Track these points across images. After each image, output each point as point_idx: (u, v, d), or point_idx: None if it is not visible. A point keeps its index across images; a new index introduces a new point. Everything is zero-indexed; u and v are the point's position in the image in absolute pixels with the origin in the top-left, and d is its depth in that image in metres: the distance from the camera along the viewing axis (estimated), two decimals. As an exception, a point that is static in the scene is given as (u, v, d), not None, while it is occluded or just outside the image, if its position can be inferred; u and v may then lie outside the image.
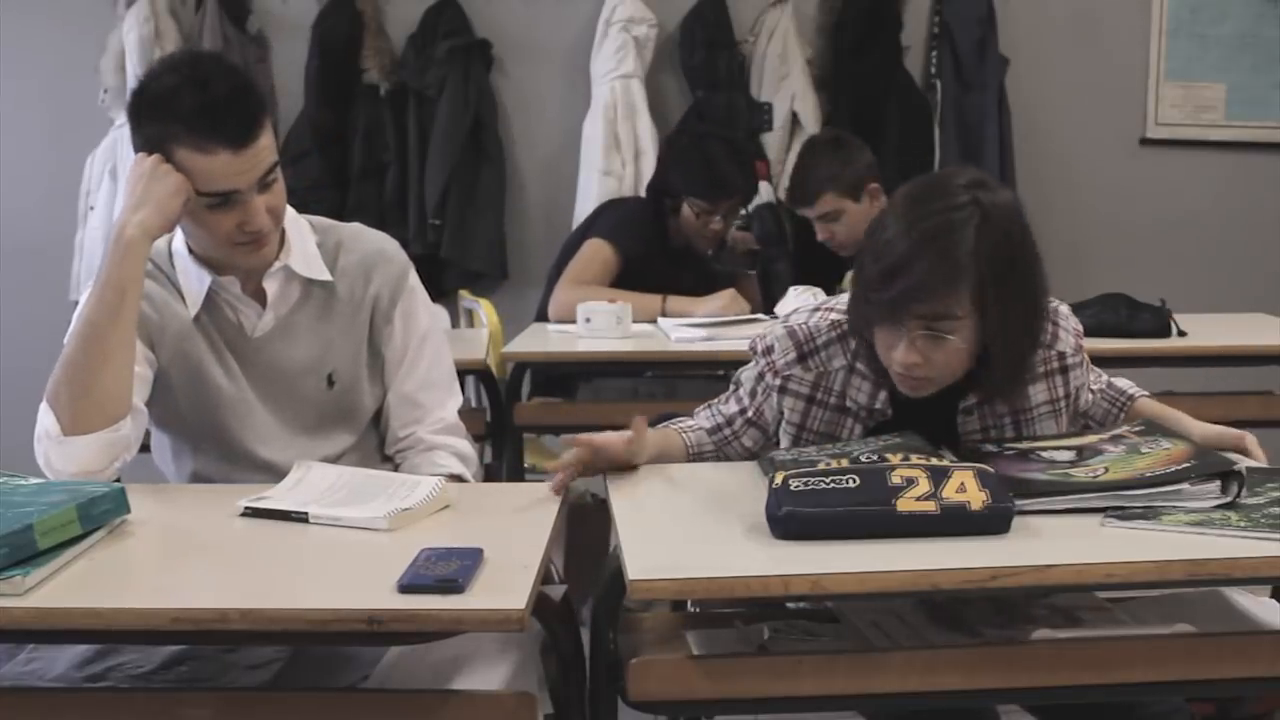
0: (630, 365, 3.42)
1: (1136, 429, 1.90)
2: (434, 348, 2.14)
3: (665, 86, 4.69)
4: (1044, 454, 1.83)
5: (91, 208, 4.47)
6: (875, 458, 1.74)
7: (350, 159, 4.55)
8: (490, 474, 3.09)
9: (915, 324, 1.79)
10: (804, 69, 4.57)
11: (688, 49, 4.61)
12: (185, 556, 1.69)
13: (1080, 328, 2.03)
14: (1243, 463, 1.75)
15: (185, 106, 1.86)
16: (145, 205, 1.87)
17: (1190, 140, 4.88)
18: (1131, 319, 3.28)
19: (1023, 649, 1.61)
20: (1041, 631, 1.65)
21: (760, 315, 3.45)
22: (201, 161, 1.87)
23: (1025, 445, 1.88)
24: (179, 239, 2.03)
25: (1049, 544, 1.57)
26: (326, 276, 2.06)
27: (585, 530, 3.08)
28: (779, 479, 1.63)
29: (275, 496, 1.81)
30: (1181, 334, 3.28)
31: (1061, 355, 1.98)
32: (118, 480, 1.85)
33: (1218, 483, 1.68)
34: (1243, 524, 1.59)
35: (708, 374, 3.32)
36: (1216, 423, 1.99)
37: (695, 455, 2.05)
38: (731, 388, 2.08)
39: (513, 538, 1.64)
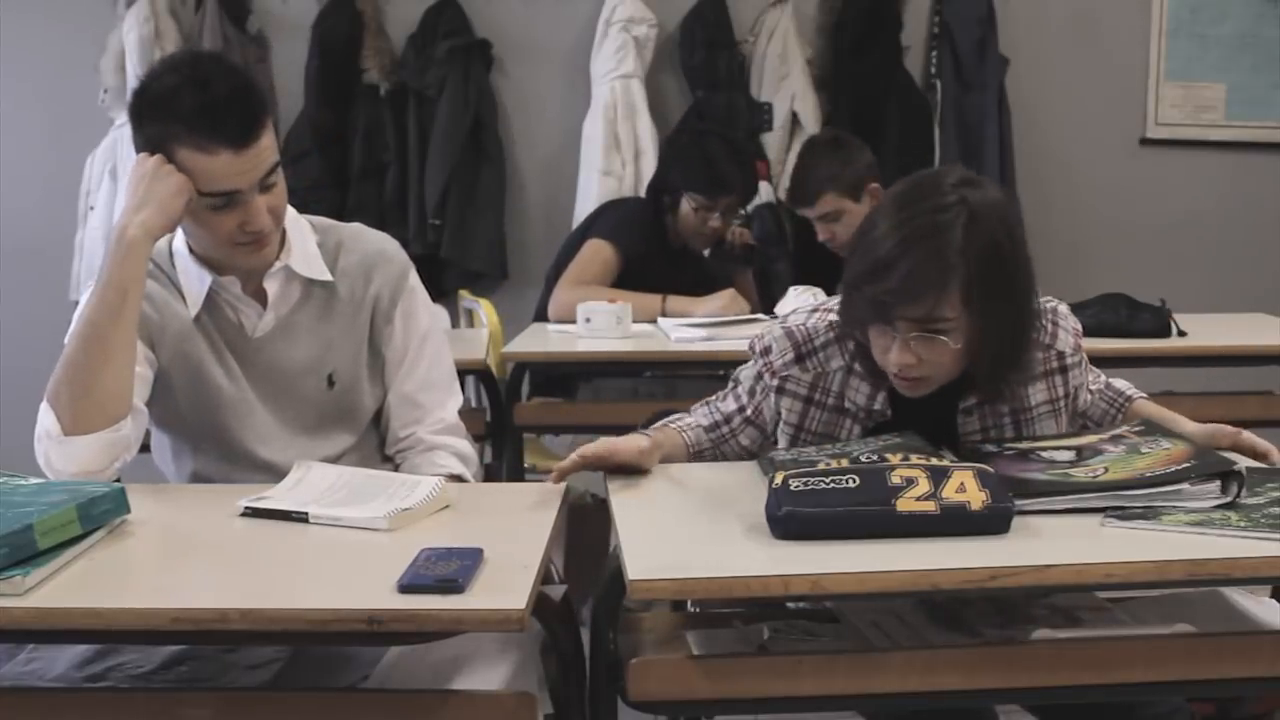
0: (630, 365, 3.42)
1: (1136, 429, 1.89)
2: (434, 348, 2.14)
3: (665, 86, 4.69)
4: (1044, 454, 1.82)
5: (91, 208, 4.47)
6: (875, 458, 1.74)
7: (350, 159, 4.55)
8: (490, 474, 3.09)
9: (906, 326, 1.78)
10: (804, 69, 4.57)
11: (688, 49, 4.61)
12: (185, 556, 1.69)
13: (1079, 327, 2.03)
14: (1243, 463, 1.75)
15: (186, 107, 1.86)
16: (147, 205, 1.87)
17: (1190, 140, 4.88)
18: (1131, 319, 3.28)
19: (1022, 649, 1.60)
20: (1041, 631, 1.64)
21: (760, 315, 3.45)
22: (203, 161, 1.87)
23: (1025, 445, 1.88)
24: (179, 239, 2.03)
25: (1049, 544, 1.57)
26: (327, 277, 2.06)
27: (585, 530, 3.07)
28: (779, 479, 1.63)
29: (275, 496, 1.81)
30: (1181, 334, 3.28)
31: (1061, 355, 1.97)
32: (118, 480, 1.85)
33: (1218, 483, 1.67)
34: (1243, 524, 1.59)
35: (707, 374, 3.32)
36: (1217, 423, 1.99)
37: (695, 454, 2.04)
38: (730, 385, 2.08)
39: (513, 538, 1.64)
